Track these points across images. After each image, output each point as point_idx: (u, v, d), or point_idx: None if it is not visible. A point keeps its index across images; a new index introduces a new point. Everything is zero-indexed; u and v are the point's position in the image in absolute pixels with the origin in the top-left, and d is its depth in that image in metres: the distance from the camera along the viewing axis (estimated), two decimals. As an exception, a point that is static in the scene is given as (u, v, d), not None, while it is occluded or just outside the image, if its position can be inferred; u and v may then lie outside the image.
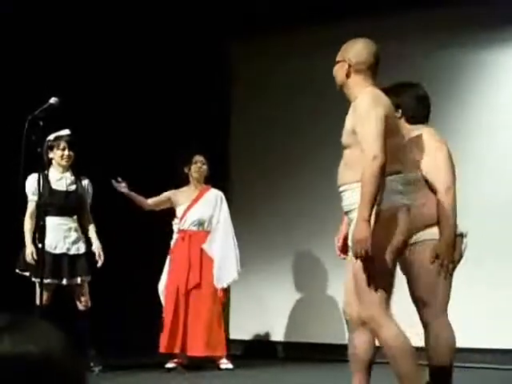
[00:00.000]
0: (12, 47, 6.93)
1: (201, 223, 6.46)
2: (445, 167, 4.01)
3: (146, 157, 7.54)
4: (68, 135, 6.01)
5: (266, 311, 7.59)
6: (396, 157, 3.68)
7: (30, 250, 5.79)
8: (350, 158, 3.73)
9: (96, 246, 6.06)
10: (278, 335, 7.56)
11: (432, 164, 4.00)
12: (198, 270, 6.37)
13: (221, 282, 6.37)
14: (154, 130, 7.69)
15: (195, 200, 6.51)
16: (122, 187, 6.34)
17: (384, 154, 3.55)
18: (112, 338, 6.66)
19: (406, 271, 4.08)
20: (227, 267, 6.39)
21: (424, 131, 4.12)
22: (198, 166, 6.52)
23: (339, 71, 3.88)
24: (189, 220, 6.46)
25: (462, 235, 4.12)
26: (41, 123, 4.63)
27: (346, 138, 3.78)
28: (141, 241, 7.40)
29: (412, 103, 4.16)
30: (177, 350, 6.32)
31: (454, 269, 4.07)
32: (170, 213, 6.60)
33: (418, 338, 4.01)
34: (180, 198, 6.55)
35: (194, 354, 6.33)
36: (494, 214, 6.66)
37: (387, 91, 4.19)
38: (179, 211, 6.51)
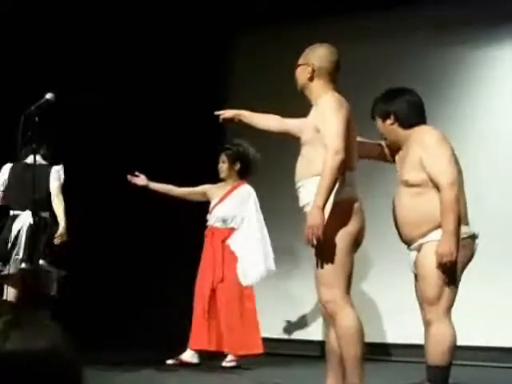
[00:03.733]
0: (8, 42, 6.88)
1: (224, 220, 6.42)
2: (447, 165, 3.97)
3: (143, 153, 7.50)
4: None
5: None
6: (350, 155, 3.91)
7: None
8: (310, 154, 3.96)
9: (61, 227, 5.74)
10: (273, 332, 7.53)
11: (434, 161, 3.98)
12: (221, 268, 6.33)
13: (245, 280, 6.28)
14: (152, 124, 7.66)
15: (224, 196, 6.47)
16: (141, 180, 6.32)
17: (345, 151, 3.81)
18: (112, 335, 6.65)
19: (416, 271, 4.11)
20: (252, 264, 6.28)
21: (425, 132, 4.11)
22: (219, 166, 6.53)
23: (301, 74, 4.13)
24: (214, 216, 6.44)
25: (473, 236, 4.10)
26: (36, 119, 4.61)
27: (307, 135, 4.00)
28: (175, 235, 7.30)
29: (404, 109, 4.18)
30: (210, 347, 6.28)
31: (462, 270, 4.07)
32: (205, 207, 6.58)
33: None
34: (214, 193, 6.52)
35: (228, 351, 6.28)
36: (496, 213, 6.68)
37: (377, 101, 4.27)
38: (210, 207, 6.52)
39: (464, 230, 4.02)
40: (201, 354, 6.37)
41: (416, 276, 4.11)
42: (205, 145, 7.23)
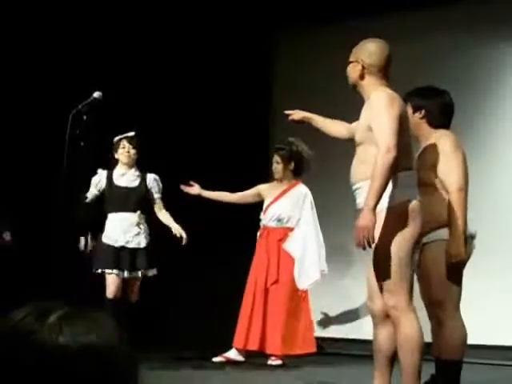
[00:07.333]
0: (56, 40, 6.96)
1: (279, 219, 6.39)
2: (458, 170, 4.18)
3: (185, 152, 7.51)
4: (131, 136, 6.03)
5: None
6: (407, 154, 3.84)
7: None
8: (365, 154, 3.85)
9: (174, 228, 5.98)
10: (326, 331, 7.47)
11: (447, 167, 4.17)
12: (276, 267, 6.31)
13: (301, 284, 6.26)
14: (193, 126, 7.68)
15: (279, 196, 6.45)
16: (194, 190, 6.35)
17: (397, 149, 3.67)
18: (161, 332, 6.69)
19: (418, 270, 4.23)
20: (308, 268, 6.26)
21: (443, 135, 4.27)
22: (273, 167, 6.48)
23: (352, 72, 4.02)
24: (269, 215, 6.42)
25: (471, 236, 4.29)
26: (84, 117, 4.64)
27: (360, 135, 3.91)
28: (228, 234, 7.30)
29: (437, 109, 4.34)
30: (253, 347, 6.28)
31: (462, 268, 4.23)
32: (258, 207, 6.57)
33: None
34: (267, 192, 6.50)
35: (271, 352, 6.27)
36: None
37: (413, 93, 4.41)
38: (264, 206, 6.48)
39: None
40: (247, 352, 6.38)
41: (418, 276, 4.22)
42: (254, 145, 7.22)
